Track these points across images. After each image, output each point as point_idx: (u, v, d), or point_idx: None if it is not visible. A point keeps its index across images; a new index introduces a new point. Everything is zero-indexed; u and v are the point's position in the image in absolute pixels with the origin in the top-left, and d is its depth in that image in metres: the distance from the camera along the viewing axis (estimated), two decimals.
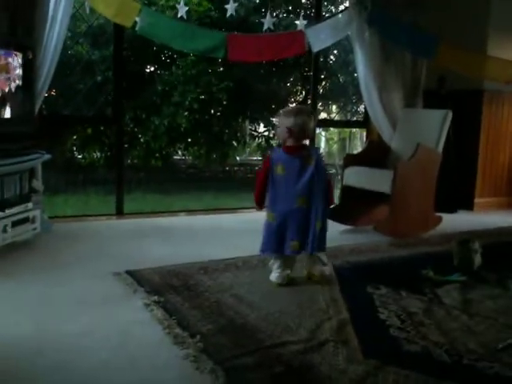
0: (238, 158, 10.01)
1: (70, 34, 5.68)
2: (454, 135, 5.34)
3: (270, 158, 2.89)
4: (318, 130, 10.61)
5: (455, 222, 4.95)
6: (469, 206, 5.77)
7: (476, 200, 5.80)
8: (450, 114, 4.51)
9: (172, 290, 2.74)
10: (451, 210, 5.47)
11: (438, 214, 4.57)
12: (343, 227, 4.49)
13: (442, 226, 4.53)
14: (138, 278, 2.92)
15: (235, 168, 9.85)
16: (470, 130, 5.71)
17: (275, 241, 2.87)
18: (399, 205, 4.21)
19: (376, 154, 4.78)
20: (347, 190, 4.56)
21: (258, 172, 3.04)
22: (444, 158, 4.59)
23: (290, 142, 2.90)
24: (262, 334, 2.21)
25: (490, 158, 5.84)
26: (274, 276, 2.92)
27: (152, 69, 8.94)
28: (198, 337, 2.16)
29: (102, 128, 8.36)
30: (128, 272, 3.02)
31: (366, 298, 2.75)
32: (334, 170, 9.34)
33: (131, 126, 8.45)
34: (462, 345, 2.19)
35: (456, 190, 5.58)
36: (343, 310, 2.53)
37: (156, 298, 2.61)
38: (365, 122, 5.97)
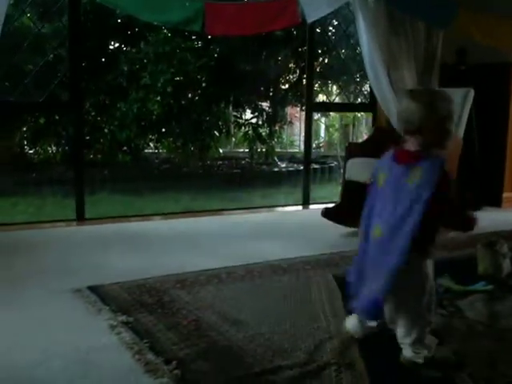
0: (221, 151, 10.01)
1: (12, 2, 5.60)
2: (478, 118, 5.36)
3: None
4: (316, 116, 10.69)
5: (480, 220, 4.96)
6: (496, 201, 5.80)
7: (504, 195, 5.84)
8: (472, 93, 4.53)
9: (143, 309, 2.73)
10: (475, 206, 5.49)
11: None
12: (346, 229, 4.49)
13: None
14: (103, 296, 2.91)
15: (218, 162, 9.85)
16: (496, 112, 5.73)
17: None
18: None
19: (384, 143, 4.76)
20: (350, 186, 4.56)
21: None
22: (466, 146, 4.61)
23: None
24: (251, 358, 2.21)
25: None
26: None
27: (116, 45, 8.92)
28: (174, 363, 2.15)
29: (56, 117, 8.32)
30: (91, 288, 3.01)
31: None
32: (335, 163, 9.39)
33: (93, 113, 8.43)
34: (490, 367, 2.19)
35: (481, 183, 5.60)
36: (347, 328, 2.53)
37: (124, 318, 2.60)
38: (370, 105, 5.98)
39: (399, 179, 2.21)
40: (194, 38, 8.57)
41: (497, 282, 3.20)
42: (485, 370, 2.17)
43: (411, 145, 2.23)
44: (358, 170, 4.51)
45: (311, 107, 5.93)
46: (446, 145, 2.25)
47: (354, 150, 4.66)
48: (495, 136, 5.74)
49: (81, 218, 4.81)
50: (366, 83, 7.50)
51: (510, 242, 3.59)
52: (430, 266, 2.25)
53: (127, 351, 2.29)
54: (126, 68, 8.27)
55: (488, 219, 5.09)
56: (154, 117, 8.51)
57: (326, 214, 4.52)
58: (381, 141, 4.84)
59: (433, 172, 2.13)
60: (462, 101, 4.48)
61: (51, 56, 7.61)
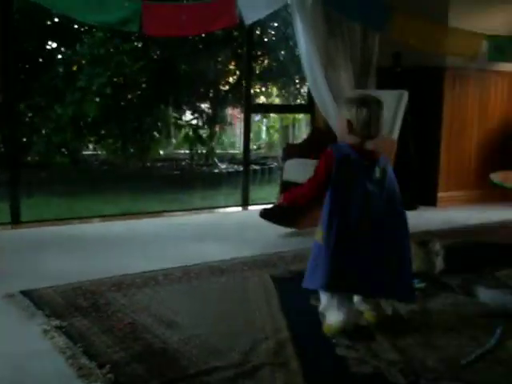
0: (161, 152, 9.94)
1: None
2: (413, 119, 5.46)
3: None
4: (257, 117, 10.72)
5: (415, 220, 5.00)
6: (431, 201, 5.92)
7: (439, 194, 5.95)
8: (406, 95, 4.61)
9: (77, 313, 2.70)
10: (411, 206, 5.58)
11: None
12: (283, 230, 4.53)
13: None
14: (36, 300, 2.86)
15: (158, 164, 9.78)
16: (430, 114, 5.85)
17: None
18: None
19: (321, 144, 4.81)
20: (288, 187, 4.58)
21: None
22: (401, 147, 4.69)
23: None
24: (186, 361, 2.21)
25: (454, 146, 5.99)
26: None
27: (54, 46, 8.77)
28: (108, 367, 2.13)
29: None
30: (23, 293, 2.95)
31: (309, 312, 2.77)
32: (275, 164, 9.43)
33: (29, 115, 8.27)
34: (420, 362, 2.24)
35: (416, 183, 5.70)
36: (283, 328, 2.55)
37: (58, 322, 2.56)
38: (309, 106, 6.04)
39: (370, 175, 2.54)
40: (133, 38, 8.48)
41: (430, 280, 3.27)
42: (415, 365, 2.21)
43: (368, 145, 2.55)
44: (296, 170, 4.54)
45: (250, 108, 5.94)
46: None
47: (291, 151, 4.69)
48: (430, 137, 5.86)
49: (16, 221, 4.71)
50: (304, 85, 7.56)
51: (443, 241, 3.68)
52: None
53: (60, 356, 2.25)
54: (61, 70, 8.13)
55: (423, 218, 5.22)
56: (90, 119, 8.39)
57: (264, 214, 4.54)
58: (318, 142, 4.90)
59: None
60: (395, 102, 4.56)
61: None
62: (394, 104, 4.56)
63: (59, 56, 8.39)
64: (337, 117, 2.72)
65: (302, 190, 2.69)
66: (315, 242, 2.57)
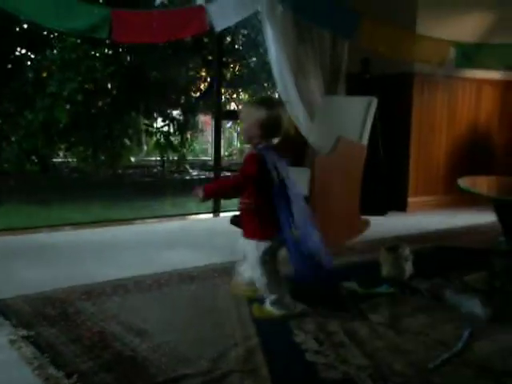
0: (132, 159, 9.91)
1: None
2: (382, 126, 5.51)
3: None
4: (228, 124, 10.73)
5: (385, 225, 5.10)
6: (401, 206, 5.97)
7: (409, 199, 6.01)
8: (375, 101, 4.65)
9: (46, 322, 2.67)
10: (381, 212, 5.63)
11: (365, 218, 4.70)
12: None
13: (370, 231, 4.66)
14: (4, 310, 2.82)
15: (129, 171, 9.74)
16: (399, 120, 5.91)
17: None
18: (318, 208, 4.27)
19: (291, 150, 4.85)
20: None
21: None
22: (370, 152, 4.73)
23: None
24: (154, 369, 2.19)
25: (423, 151, 6.06)
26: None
27: (23, 51, 8.70)
28: (75, 377, 2.10)
29: None
30: None
31: (278, 318, 2.77)
32: None
33: None
34: (388, 367, 2.25)
35: (386, 188, 5.74)
36: (252, 335, 2.54)
37: (25, 332, 2.53)
38: None
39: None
40: (103, 44, 8.44)
41: (399, 285, 3.28)
42: (384, 369, 2.22)
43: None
44: None
45: (221, 115, 5.94)
46: None
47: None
48: (399, 142, 5.91)
49: None
50: (275, 91, 7.58)
51: (413, 246, 3.70)
52: None
53: (27, 366, 2.22)
54: (31, 75, 8.07)
55: (392, 223, 5.26)
56: (61, 125, 8.33)
57: (235, 221, 4.53)
58: (288, 147, 4.91)
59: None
60: (365, 109, 4.59)
61: None
62: (363, 110, 4.59)
63: (28, 62, 8.32)
64: (246, 119, 2.73)
65: (225, 183, 3.08)
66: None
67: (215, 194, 3.12)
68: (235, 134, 11.47)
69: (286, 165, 2.80)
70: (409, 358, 2.33)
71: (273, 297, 2.77)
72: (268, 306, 2.78)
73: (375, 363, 2.27)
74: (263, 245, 2.72)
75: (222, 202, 5.91)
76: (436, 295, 3.14)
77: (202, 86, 9.91)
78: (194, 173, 9.66)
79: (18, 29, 8.31)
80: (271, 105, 2.75)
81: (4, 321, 2.68)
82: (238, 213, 4.68)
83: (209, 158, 11.02)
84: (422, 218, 5.58)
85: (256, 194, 2.73)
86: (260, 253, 2.72)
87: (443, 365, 2.28)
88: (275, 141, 2.78)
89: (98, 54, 8.21)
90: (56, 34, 8.09)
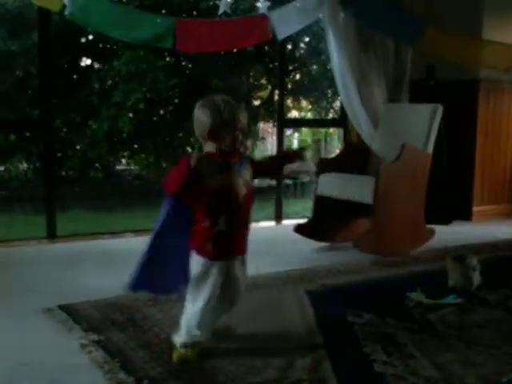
0: None
1: None
2: (447, 133, 5.42)
3: None
4: (288, 132, 10.72)
5: (450, 234, 5.02)
6: (466, 215, 5.86)
7: (474, 208, 5.89)
8: (441, 109, 4.58)
9: (114, 327, 2.71)
10: (445, 221, 5.54)
11: (430, 227, 4.63)
12: (318, 244, 4.51)
13: (435, 241, 4.58)
14: (74, 314, 2.88)
15: None
16: (464, 127, 5.80)
17: None
18: (383, 216, 4.25)
19: (355, 158, 4.83)
20: (322, 201, 4.58)
21: None
22: (435, 161, 4.66)
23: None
24: (223, 377, 2.20)
25: (489, 159, 5.94)
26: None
27: (88, 62, 8.89)
28: (146, 382, 2.14)
29: (27, 134, 8.26)
30: (61, 307, 2.98)
31: (345, 328, 2.76)
32: (308, 178, 9.41)
33: (64, 131, 8.38)
34: (459, 379, 2.21)
35: (450, 197, 5.66)
36: (319, 344, 2.53)
37: (95, 336, 2.58)
38: (341, 121, 6.03)
39: None
40: (166, 54, 8.57)
41: (467, 295, 3.23)
42: (454, 382, 2.18)
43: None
44: (330, 185, 4.53)
45: (282, 123, 5.95)
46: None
47: (325, 166, 4.68)
48: (464, 150, 5.81)
49: (52, 235, 4.76)
50: (337, 99, 7.56)
51: (480, 255, 3.63)
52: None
53: (98, 370, 2.27)
54: (96, 86, 8.23)
55: (458, 233, 5.17)
56: (124, 134, 8.48)
57: (299, 229, 4.54)
58: (352, 156, 4.89)
59: None
60: (430, 116, 4.52)
61: (20, 74, 7.56)
62: (428, 118, 4.52)
63: (94, 72, 8.50)
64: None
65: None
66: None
67: None
68: (295, 141, 11.46)
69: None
70: (480, 372, 2.29)
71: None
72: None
73: (445, 376, 2.24)
74: None
75: (284, 209, 5.92)
76: (506, 307, 3.08)
77: (262, 94, 9.95)
78: (255, 181, 9.68)
79: (83, 40, 8.50)
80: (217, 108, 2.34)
81: (74, 325, 2.74)
82: (302, 220, 4.72)
83: None
84: (488, 227, 5.46)
85: None
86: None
87: None
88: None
89: (161, 65, 8.31)
90: (120, 45, 8.23)
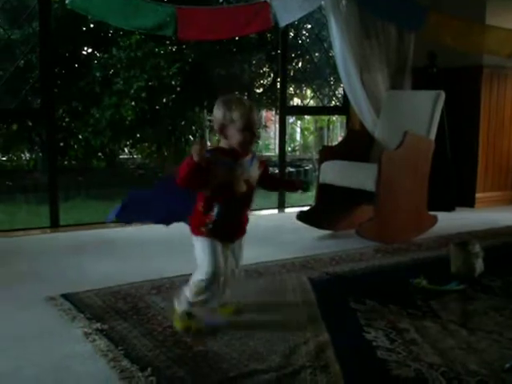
0: None
1: None
2: (449, 120, 5.41)
3: None
4: (291, 119, 10.71)
5: (453, 221, 5.02)
6: (469, 202, 5.86)
7: (477, 195, 5.90)
8: (443, 95, 4.57)
9: (118, 316, 2.72)
10: (448, 207, 5.55)
11: (433, 214, 4.63)
12: (320, 232, 4.52)
13: (438, 227, 4.59)
14: (77, 303, 2.89)
15: None
16: (467, 114, 5.80)
17: None
18: (385, 204, 4.25)
19: (357, 145, 4.83)
20: (324, 189, 4.59)
21: None
22: (438, 147, 4.65)
23: None
24: (226, 363, 2.21)
25: (492, 146, 5.94)
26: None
27: (89, 50, 8.87)
28: (150, 370, 2.14)
29: (30, 123, 8.26)
30: (65, 296, 2.99)
31: (348, 314, 2.77)
32: (310, 166, 9.42)
33: (66, 120, 8.38)
34: (462, 365, 2.21)
35: (453, 184, 5.65)
36: (322, 331, 2.54)
37: (99, 325, 2.59)
38: (344, 108, 6.03)
39: None
40: (167, 42, 8.54)
41: (469, 282, 3.23)
42: (457, 368, 2.19)
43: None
44: (332, 172, 4.53)
45: (285, 111, 5.94)
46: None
47: (327, 153, 4.68)
48: (467, 137, 5.80)
49: (55, 224, 4.78)
50: (339, 86, 7.53)
51: (483, 242, 3.64)
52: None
53: (102, 359, 2.27)
54: (98, 74, 8.21)
55: (461, 220, 5.17)
56: (127, 122, 8.47)
57: (301, 217, 4.54)
58: (354, 143, 4.89)
59: None
60: (432, 103, 4.52)
61: (22, 62, 7.55)
62: (430, 105, 4.52)
63: (95, 61, 8.48)
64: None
65: None
66: None
67: None
68: (298, 130, 11.45)
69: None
70: (482, 358, 2.29)
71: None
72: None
73: (448, 362, 2.24)
74: None
75: (287, 197, 5.93)
76: (509, 293, 3.09)
77: (264, 82, 9.92)
78: None
79: (84, 28, 8.48)
80: (229, 106, 2.43)
81: (78, 313, 2.75)
82: (304, 208, 4.72)
83: (271, 153, 11.04)
84: (492, 214, 5.46)
85: None
86: None
87: None
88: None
89: (162, 52, 8.28)
90: (121, 33, 8.20)
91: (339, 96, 7.15)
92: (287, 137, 8.21)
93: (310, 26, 9.11)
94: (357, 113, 5.25)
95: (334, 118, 10.57)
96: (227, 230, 2.58)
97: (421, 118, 4.54)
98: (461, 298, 3.01)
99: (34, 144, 8.57)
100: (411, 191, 4.39)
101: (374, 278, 3.41)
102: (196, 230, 2.58)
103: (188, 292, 2.53)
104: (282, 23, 4.84)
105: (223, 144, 2.50)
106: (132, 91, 8.06)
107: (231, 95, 2.54)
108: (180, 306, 2.56)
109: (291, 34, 8.70)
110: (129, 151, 9.78)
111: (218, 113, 2.47)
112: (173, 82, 8.51)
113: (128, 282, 3.21)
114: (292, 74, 9.42)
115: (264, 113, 10.59)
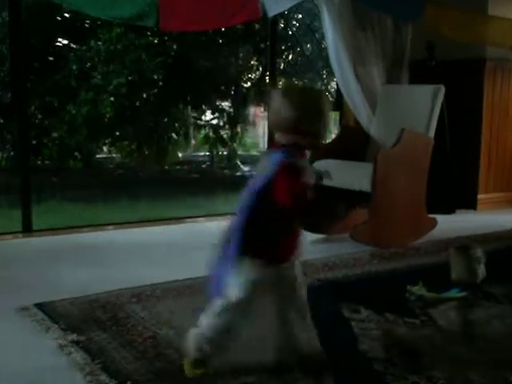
0: (179, 155, 9.97)
1: None
2: (450, 116, 5.43)
3: None
4: None
5: (453, 224, 5.04)
6: (470, 204, 5.88)
7: (479, 196, 5.91)
8: (443, 90, 4.59)
9: (96, 326, 2.71)
10: (448, 210, 5.56)
11: (432, 216, 4.65)
12: (313, 236, 4.53)
13: (437, 231, 4.61)
14: (52, 313, 2.88)
15: (177, 167, 9.81)
16: (469, 110, 5.81)
17: None
18: (381, 205, 4.26)
19: (352, 143, 4.84)
20: (316, 190, 4.58)
21: None
22: (437, 146, 4.67)
23: None
24: (213, 376, 2.21)
25: (495, 144, 5.95)
26: None
27: (65, 42, 8.84)
28: None
29: (0, 120, 8.22)
30: (38, 305, 2.98)
31: (342, 324, 2.78)
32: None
33: (39, 116, 8.34)
34: (463, 378, 2.22)
35: (454, 184, 5.66)
36: (314, 341, 2.54)
37: (75, 336, 2.58)
38: (337, 103, 6.03)
39: None
40: (148, 34, 8.53)
41: (471, 289, 3.24)
42: (458, 380, 2.20)
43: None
44: None
45: None
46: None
47: (319, 152, 4.68)
48: (469, 135, 5.82)
49: (28, 229, 4.75)
50: (332, 80, 7.56)
51: (485, 246, 3.65)
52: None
53: (78, 372, 2.26)
54: (74, 67, 8.18)
55: (462, 222, 5.19)
56: (106, 119, 8.45)
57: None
58: (348, 141, 4.90)
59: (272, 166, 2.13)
60: (431, 98, 4.54)
61: None
62: (429, 100, 4.54)
63: (72, 53, 8.44)
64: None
65: None
66: None
67: None
68: None
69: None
70: (485, 369, 2.30)
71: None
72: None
73: (447, 374, 2.25)
74: None
75: None
76: None
77: (252, 76, 9.92)
78: (246, 168, 9.66)
79: (59, 18, 8.45)
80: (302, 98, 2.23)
81: (52, 324, 2.74)
82: None
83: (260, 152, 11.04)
84: (495, 217, 5.48)
85: None
86: None
87: None
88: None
89: (143, 44, 8.26)
90: (99, 24, 8.18)
91: (332, 91, 7.17)
92: None
93: (300, 16, 9.13)
94: (351, 108, 5.25)
95: None
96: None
97: (419, 114, 4.55)
98: (462, 305, 3.02)
99: (5, 142, 8.52)
100: (409, 192, 4.40)
101: (369, 285, 3.42)
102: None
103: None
104: (271, 13, 4.85)
105: (288, 142, 2.18)
106: (111, 87, 8.02)
107: (293, 83, 2.35)
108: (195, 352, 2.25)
109: (281, 24, 8.72)
110: (108, 150, 9.75)
111: (287, 108, 2.14)
112: (155, 76, 8.51)
113: (106, 290, 3.20)
114: (282, 67, 9.42)
115: (252, 109, 10.58)
